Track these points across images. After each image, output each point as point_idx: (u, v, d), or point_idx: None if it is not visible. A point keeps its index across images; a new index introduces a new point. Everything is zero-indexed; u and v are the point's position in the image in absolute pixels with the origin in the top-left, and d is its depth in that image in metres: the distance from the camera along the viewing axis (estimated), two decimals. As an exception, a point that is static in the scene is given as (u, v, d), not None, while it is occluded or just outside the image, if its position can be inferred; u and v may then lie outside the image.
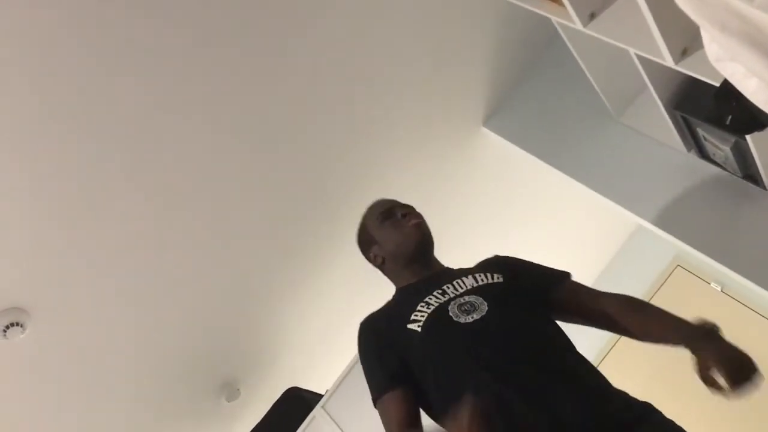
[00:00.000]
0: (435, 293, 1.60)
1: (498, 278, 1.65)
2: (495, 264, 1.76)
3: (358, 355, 1.71)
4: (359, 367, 2.52)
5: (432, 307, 1.56)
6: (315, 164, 2.54)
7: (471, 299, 1.54)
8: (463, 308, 1.53)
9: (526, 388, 1.37)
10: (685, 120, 2.30)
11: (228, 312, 2.68)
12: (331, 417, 2.51)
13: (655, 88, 2.21)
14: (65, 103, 1.80)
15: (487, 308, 1.52)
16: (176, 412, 2.80)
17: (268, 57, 2.13)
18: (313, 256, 2.77)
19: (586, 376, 1.47)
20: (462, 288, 1.60)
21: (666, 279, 4.02)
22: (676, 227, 2.46)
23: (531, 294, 1.64)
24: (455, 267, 1.78)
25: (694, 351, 1.41)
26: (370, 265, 3.01)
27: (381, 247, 1.80)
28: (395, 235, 1.78)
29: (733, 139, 2.17)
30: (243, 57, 2.08)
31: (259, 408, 2.82)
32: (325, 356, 3.16)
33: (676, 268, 4.00)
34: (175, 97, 2.01)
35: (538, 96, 3.01)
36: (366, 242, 1.86)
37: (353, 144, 2.60)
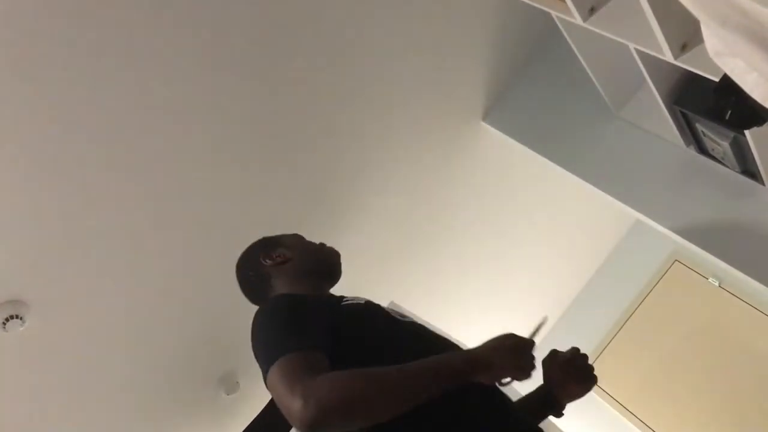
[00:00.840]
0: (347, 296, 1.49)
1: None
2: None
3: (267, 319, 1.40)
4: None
5: (361, 299, 1.48)
6: (314, 162, 2.54)
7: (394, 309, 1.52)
8: (395, 312, 1.49)
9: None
10: (684, 115, 2.30)
11: (227, 304, 2.67)
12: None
13: (655, 83, 2.22)
14: (64, 95, 1.80)
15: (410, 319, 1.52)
16: (175, 405, 2.81)
17: (268, 54, 2.13)
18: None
19: None
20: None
21: (664, 274, 4.03)
22: (674, 222, 2.47)
23: None
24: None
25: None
26: (366, 260, 3.03)
27: (291, 250, 1.63)
28: (315, 248, 1.69)
29: (732, 134, 2.17)
30: (244, 53, 2.08)
31: (259, 401, 2.82)
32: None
33: (674, 263, 4.02)
34: (177, 93, 2.01)
35: (537, 91, 3.01)
36: (268, 245, 1.66)
37: (352, 139, 2.60)
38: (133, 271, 2.29)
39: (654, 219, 2.50)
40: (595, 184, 2.68)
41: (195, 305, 2.56)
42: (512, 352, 1.27)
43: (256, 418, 2.70)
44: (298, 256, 1.62)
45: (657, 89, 2.24)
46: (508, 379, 1.27)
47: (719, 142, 2.25)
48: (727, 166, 2.39)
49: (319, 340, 1.24)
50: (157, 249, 2.30)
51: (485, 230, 3.39)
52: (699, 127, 2.29)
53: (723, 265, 2.34)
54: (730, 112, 1.38)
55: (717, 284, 3.80)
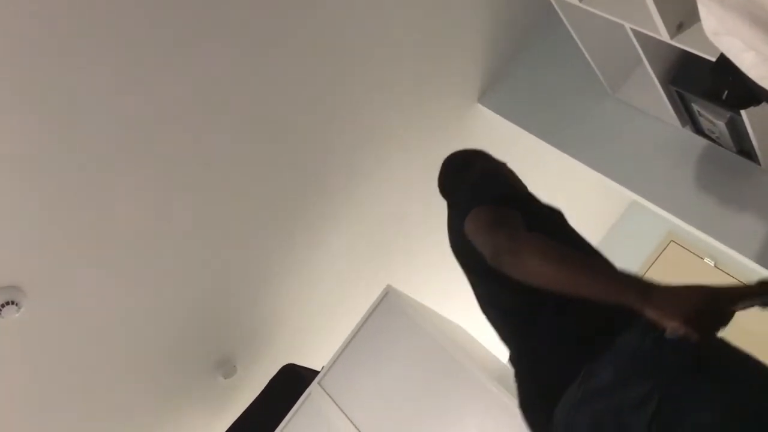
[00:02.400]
0: None
1: None
2: None
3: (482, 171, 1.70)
4: (354, 344, 2.56)
5: None
6: (310, 143, 2.52)
7: None
8: None
9: None
10: (680, 95, 2.29)
11: (225, 289, 2.68)
12: (327, 393, 2.52)
13: (651, 63, 2.20)
14: (63, 83, 1.78)
15: None
16: (173, 389, 2.81)
17: (263, 39, 2.11)
18: (308, 234, 2.77)
19: None
20: None
21: (660, 254, 4.04)
22: (669, 202, 2.47)
23: None
24: None
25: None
26: (363, 244, 3.03)
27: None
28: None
29: (728, 114, 2.16)
30: (240, 37, 2.06)
31: (256, 385, 2.84)
32: (321, 333, 3.18)
33: (669, 243, 4.03)
34: (177, 80, 1.99)
35: (533, 72, 3.00)
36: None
37: (347, 121, 2.59)
38: (130, 257, 2.28)
39: (650, 199, 2.50)
40: (591, 165, 2.67)
41: (192, 290, 2.56)
42: (695, 309, 1.08)
43: (253, 402, 2.71)
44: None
45: (653, 69, 2.23)
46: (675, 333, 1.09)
47: (715, 122, 2.24)
48: (723, 146, 2.39)
49: (522, 207, 1.43)
50: (154, 234, 2.29)
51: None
52: (695, 107, 2.28)
53: (719, 245, 2.34)
54: (726, 91, 1.37)
55: (713, 264, 3.81)
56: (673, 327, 1.08)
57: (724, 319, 1.10)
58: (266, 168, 2.45)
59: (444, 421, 2.30)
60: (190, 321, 2.64)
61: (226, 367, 2.86)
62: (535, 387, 1.35)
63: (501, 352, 1.90)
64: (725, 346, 1.19)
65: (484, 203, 1.44)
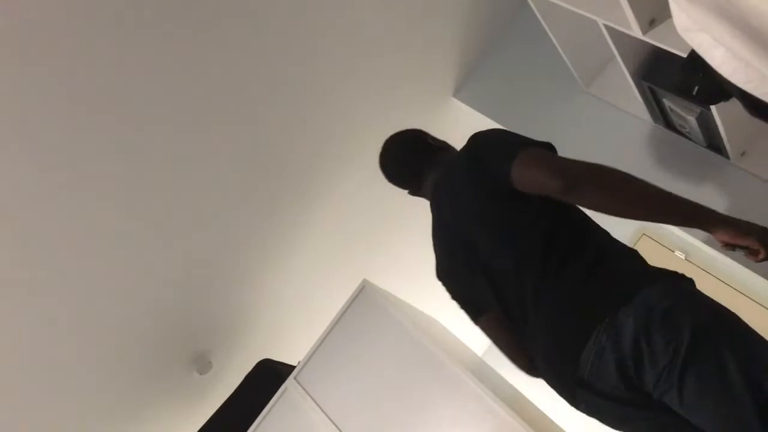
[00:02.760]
0: None
1: None
2: None
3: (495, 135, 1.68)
4: (331, 339, 2.56)
5: None
6: (285, 137, 2.51)
7: None
8: None
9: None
10: (652, 90, 2.32)
11: (199, 284, 2.66)
12: (303, 388, 2.52)
13: (623, 59, 2.23)
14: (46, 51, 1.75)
15: None
16: (147, 386, 2.79)
17: (236, 36, 2.10)
18: (284, 229, 2.76)
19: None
20: None
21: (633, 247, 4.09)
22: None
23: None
24: None
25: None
26: (339, 238, 3.02)
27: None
28: None
29: (698, 109, 2.20)
30: (211, 27, 2.04)
31: (232, 380, 2.82)
32: (297, 328, 3.17)
33: (641, 236, 4.07)
34: (153, 59, 1.97)
35: (507, 66, 3.02)
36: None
37: (321, 114, 2.58)
38: (104, 253, 2.25)
39: (622, 194, 2.53)
40: (565, 159, 2.69)
41: (167, 286, 2.53)
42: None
43: (229, 398, 2.69)
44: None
45: (625, 65, 2.25)
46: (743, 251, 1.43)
47: (686, 117, 2.27)
48: (694, 141, 2.43)
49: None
50: (129, 229, 2.27)
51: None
52: (666, 102, 2.32)
53: (690, 238, 2.38)
54: (697, 87, 1.40)
55: (683, 257, 3.87)
56: (749, 242, 1.38)
57: None
58: (242, 162, 2.44)
59: (420, 413, 2.31)
60: (164, 316, 2.62)
61: (202, 362, 2.84)
62: (565, 329, 1.42)
63: (477, 344, 1.92)
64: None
65: (524, 148, 1.48)
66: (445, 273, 1.75)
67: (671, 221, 1.48)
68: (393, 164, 1.85)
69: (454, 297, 1.73)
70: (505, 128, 1.70)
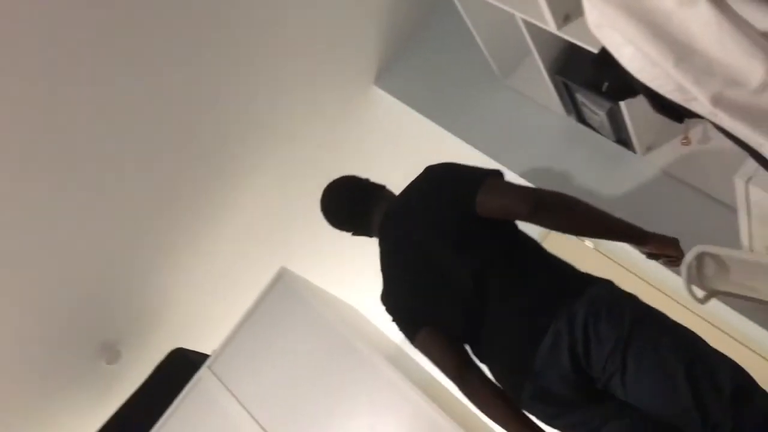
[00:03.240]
0: None
1: None
2: None
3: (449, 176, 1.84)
4: (247, 327, 2.52)
5: None
6: (203, 123, 2.45)
7: None
8: None
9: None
10: (565, 85, 2.39)
11: (107, 270, 2.56)
12: (217, 377, 2.48)
13: (539, 53, 2.28)
14: None
15: None
16: (53, 374, 2.66)
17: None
18: (199, 214, 2.70)
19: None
20: None
21: (545, 237, 4.22)
22: (553, 187, 2.57)
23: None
24: None
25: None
26: (257, 226, 2.98)
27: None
28: None
29: (608, 104, 2.28)
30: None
31: (142, 370, 2.73)
32: (213, 317, 3.11)
33: (554, 226, 4.21)
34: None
35: (429, 56, 3.04)
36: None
37: (237, 100, 2.52)
38: (4, 237, 2.13)
39: (536, 185, 2.60)
40: (481, 149, 2.75)
41: (72, 271, 2.43)
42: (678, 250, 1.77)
43: (140, 388, 2.61)
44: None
45: (541, 59, 2.31)
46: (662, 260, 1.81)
47: (597, 111, 2.36)
48: (603, 135, 2.52)
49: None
50: (31, 212, 2.16)
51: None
52: (579, 97, 2.39)
53: (598, 228, 2.47)
54: (606, 83, 1.44)
55: (592, 246, 4.03)
56: (670, 251, 1.76)
57: None
58: (157, 146, 2.36)
59: (337, 401, 2.31)
60: (70, 303, 2.51)
61: (110, 352, 2.74)
62: (527, 323, 1.63)
63: (394, 332, 1.94)
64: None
65: (486, 177, 1.71)
66: (394, 295, 1.86)
67: (612, 238, 1.80)
68: (337, 208, 1.97)
69: (395, 317, 1.85)
70: (454, 162, 1.87)
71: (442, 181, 1.80)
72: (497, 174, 1.76)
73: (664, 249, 1.78)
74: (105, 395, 2.88)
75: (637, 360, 1.50)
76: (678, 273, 1.86)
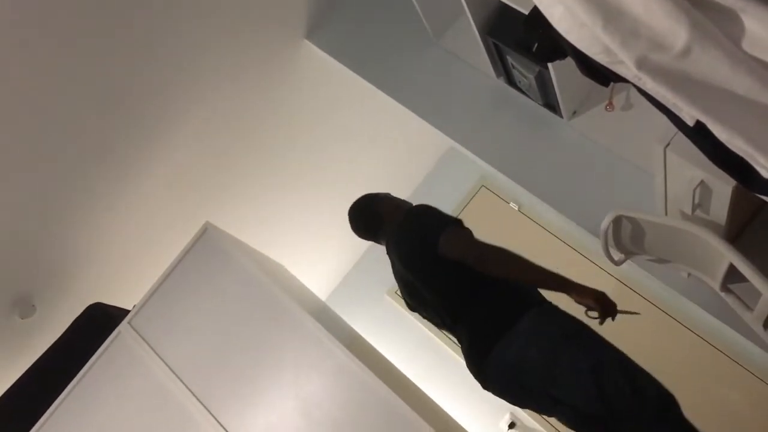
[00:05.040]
0: None
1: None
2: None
3: (414, 214, 2.13)
4: (170, 282, 2.47)
5: None
6: (123, 68, 2.34)
7: None
8: None
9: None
10: (496, 46, 2.40)
11: (21, 221, 2.44)
12: (138, 333, 2.42)
13: (472, 13, 2.28)
14: None
15: None
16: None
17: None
18: (119, 165, 2.60)
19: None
20: None
21: (472, 198, 4.29)
22: (481, 149, 2.61)
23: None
24: None
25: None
26: (181, 179, 2.90)
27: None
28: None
29: (537, 68, 2.31)
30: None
31: (59, 325, 2.64)
32: (134, 271, 3.03)
33: (480, 188, 4.28)
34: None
35: (362, 12, 2.99)
36: (376, 224, 2.27)
37: (161, 50, 2.42)
38: None
39: (464, 145, 2.63)
40: (412, 108, 2.75)
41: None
42: (606, 301, 1.94)
43: (55, 343, 2.53)
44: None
45: (473, 19, 2.31)
46: (593, 314, 1.96)
47: (526, 74, 2.38)
48: (532, 99, 2.56)
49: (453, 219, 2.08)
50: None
51: (303, 150, 3.37)
52: (509, 59, 2.41)
53: (522, 190, 2.53)
54: (536, 44, 1.45)
55: (517, 209, 4.12)
56: (591, 304, 1.92)
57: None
58: (80, 95, 2.24)
59: (261, 357, 2.31)
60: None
61: (23, 306, 2.63)
62: (478, 339, 2.00)
63: (320, 289, 1.94)
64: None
65: (448, 227, 2.00)
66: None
67: (545, 287, 1.99)
68: (357, 230, 2.32)
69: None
70: (426, 206, 2.15)
71: (414, 227, 2.11)
72: (456, 221, 2.06)
73: (584, 299, 1.93)
74: (18, 351, 2.77)
75: (568, 366, 1.86)
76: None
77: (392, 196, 2.32)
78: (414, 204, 2.21)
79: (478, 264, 1.94)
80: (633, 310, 2.00)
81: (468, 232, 2.07)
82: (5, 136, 2.15)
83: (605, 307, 1.95)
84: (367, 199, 2.32)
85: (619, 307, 1.97)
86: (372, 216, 2.26)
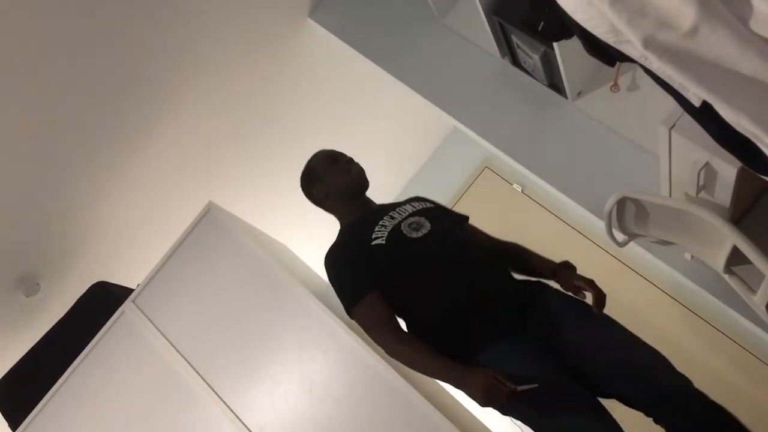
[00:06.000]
0: (384, 218, 1.95)
1: (428, 204, 2.08)
2: (418, 198, 2.13)
3: (329, 282, 1.95)
4: (174, 261, 2.48)
5: (388, 227, 1.92)
6: (130, 43, 2.33)
7: (416, 219, 1.95)
8: (412, 226, 1.91)
9: (468, 278, 1.85)
10: (501, 26, 2.38)
11: (26, 200, 2.45)
12: (142, 311, 2.43)
13: (477, -9, 2.26)
14: None
15: (429, 226, 1.91)
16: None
17: None
18: (126, 142, 2.59)
19: (500, 266, 1.96)
20: (405, 213, 1.98)
21: (475, 179, 4.28)
22: (485, 130, 2.60)
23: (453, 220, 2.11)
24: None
25: (560, 271, 1.92)
26: (186, 159, 2.90)
27: (325, 185, 2.08)
28: (341, 177, 2.07)
29: (542, 48, 2.29)
30: None
31: (63, 304, 2.66)
32: (138, 250, 3.04)
33: (484, 169, 4.27)
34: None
35: (366, -11, 2.97)
36: (310, 180, 2.12)
37: (168, 24, 2.41)
38: None
39: (468, 126, 2.62)
40: (416, 89, 2.73)
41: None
42: (483, 393, 1.60)
43: (60, 321, 2.54)
44: (334, 193, 2.08)
45: (479, -3, 2.29)
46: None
47: (531, 54, 2.37)
48: (537, 79, 2.54)
49: (362, 287, 1.86)
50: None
51: (306, 130, 3.36)
52: (514, 38, 2.39)
53: (526, 171, 2.52)
54: (542, 23, 1.44)
55: (520, 190, 4.12)
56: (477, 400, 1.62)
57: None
58: (78, 68, 2.23)
59: (265, 337, 2.32)
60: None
61: (28, 283, 2.64)
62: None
63: (323, 270, 1.96)
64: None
65: (353, 303, 1.86)
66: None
67: (436, 378, 1.79)
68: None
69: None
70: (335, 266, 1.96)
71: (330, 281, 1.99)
72: (354, 308, 1.88)
73: (569, 277, 1.87)
74: (22, 329, 2.79)
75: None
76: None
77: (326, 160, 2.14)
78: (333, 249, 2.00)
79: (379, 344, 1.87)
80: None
81: (370, 306, 1.86)
82: (10, 106, 2.15)
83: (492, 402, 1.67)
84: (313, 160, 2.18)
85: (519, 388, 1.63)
86: (305, 172, 2.13)
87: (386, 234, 1.90)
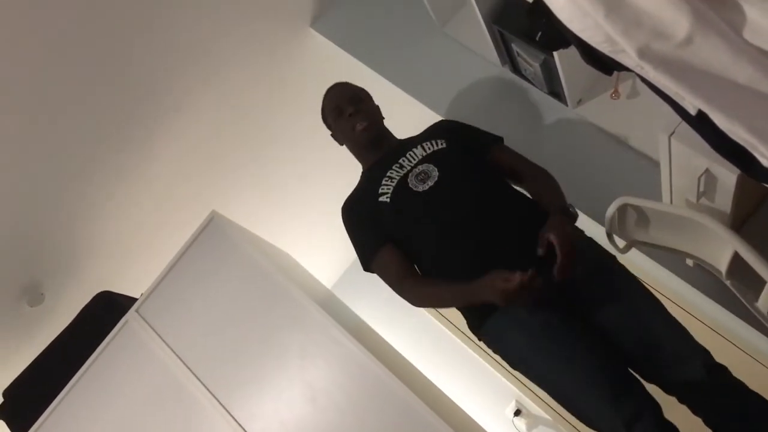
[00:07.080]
0: (394, 167, 1.97)
1: (442, 144, 2.00)
2: (439, 129, 2.11)
3: (346, 232, 2.03)
4: (177, 271, 2.48)
5: (394, 181, 1.93)
6: (133, 54, 2.35)
7: (424, 168, 1.92)
8: (419, 177, 1.90)
9: (475, 237, 1.80)
10: (501, 35, 2.40)
11: (31, 209, 2.47)
12: (146, 321, 2.44)
13: (477, 1, 2.28)
14: None
15: (438, 174, 1.89)
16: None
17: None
18: (130, 152, 2.61)
19: (521, 212, 1.89)
20: (414, 159, 1.96)
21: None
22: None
23: (472, 153, 2.02)
24: (402, 137, 2.17)
25: (550, 217, 1.77)
26: (188, 168, 2.92)
27: (336, 135, 2.17)
28: (346, 133, 2.11)
29: (542, 56, 2.30)
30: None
31: (67, 313, 2.67)
32: (141, 260, 3.05)
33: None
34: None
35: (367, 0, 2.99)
36: (326, 123, 2.21)
37: (172, 38, 2.43)
38: None
39: (470, 134, 2.62)
40: (417, 97, 2.75)
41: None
42: (501, 294, 1.59)
43: (64, 330, 2.55)
44: (346, 143, 2.16)
45: (479, 7, 2.30)
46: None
47: (531, 62, 2.38)
48: (537, 87, 2.55)
49: (373, 243, 1.94)
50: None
51: (307, 139, 3.37)
52: (514, 47, 2.40)
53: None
54: (540, 33, 1.45)
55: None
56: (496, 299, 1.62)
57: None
58: (81, 78, 2.25)
59: (268, 344, 2.32)
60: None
61: (33, 294, 2.66)
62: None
63: (326, 278, 1.96)
64: None
65: (367, 262, 1.96)
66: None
67: (462, 303, 1.85)
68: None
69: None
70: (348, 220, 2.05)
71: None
72: (371, 263, 1.99)
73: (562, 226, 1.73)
74: (27, 339, 2.81)
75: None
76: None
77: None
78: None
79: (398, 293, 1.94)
80: None
81: (387, 260, 1.93)
82: (16, 119, 2.17)
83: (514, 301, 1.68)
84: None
85: None
86: (321, 112, 2.22)
87: (392, 189, 1.93)
